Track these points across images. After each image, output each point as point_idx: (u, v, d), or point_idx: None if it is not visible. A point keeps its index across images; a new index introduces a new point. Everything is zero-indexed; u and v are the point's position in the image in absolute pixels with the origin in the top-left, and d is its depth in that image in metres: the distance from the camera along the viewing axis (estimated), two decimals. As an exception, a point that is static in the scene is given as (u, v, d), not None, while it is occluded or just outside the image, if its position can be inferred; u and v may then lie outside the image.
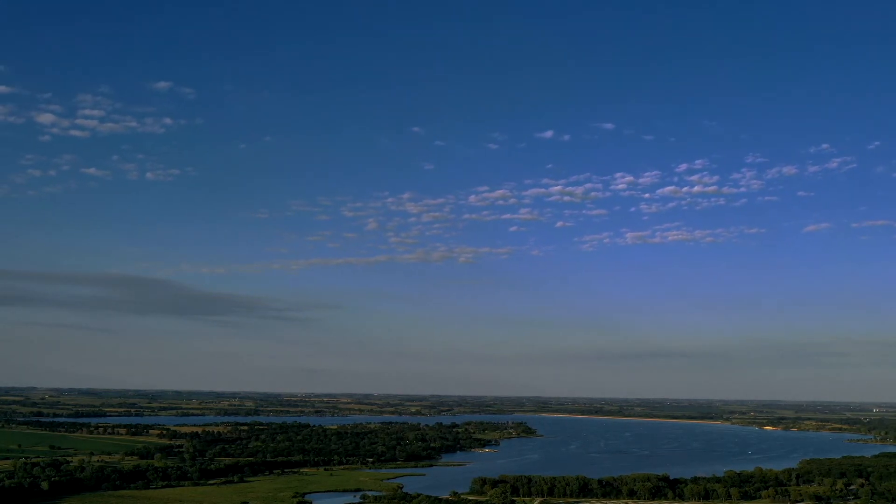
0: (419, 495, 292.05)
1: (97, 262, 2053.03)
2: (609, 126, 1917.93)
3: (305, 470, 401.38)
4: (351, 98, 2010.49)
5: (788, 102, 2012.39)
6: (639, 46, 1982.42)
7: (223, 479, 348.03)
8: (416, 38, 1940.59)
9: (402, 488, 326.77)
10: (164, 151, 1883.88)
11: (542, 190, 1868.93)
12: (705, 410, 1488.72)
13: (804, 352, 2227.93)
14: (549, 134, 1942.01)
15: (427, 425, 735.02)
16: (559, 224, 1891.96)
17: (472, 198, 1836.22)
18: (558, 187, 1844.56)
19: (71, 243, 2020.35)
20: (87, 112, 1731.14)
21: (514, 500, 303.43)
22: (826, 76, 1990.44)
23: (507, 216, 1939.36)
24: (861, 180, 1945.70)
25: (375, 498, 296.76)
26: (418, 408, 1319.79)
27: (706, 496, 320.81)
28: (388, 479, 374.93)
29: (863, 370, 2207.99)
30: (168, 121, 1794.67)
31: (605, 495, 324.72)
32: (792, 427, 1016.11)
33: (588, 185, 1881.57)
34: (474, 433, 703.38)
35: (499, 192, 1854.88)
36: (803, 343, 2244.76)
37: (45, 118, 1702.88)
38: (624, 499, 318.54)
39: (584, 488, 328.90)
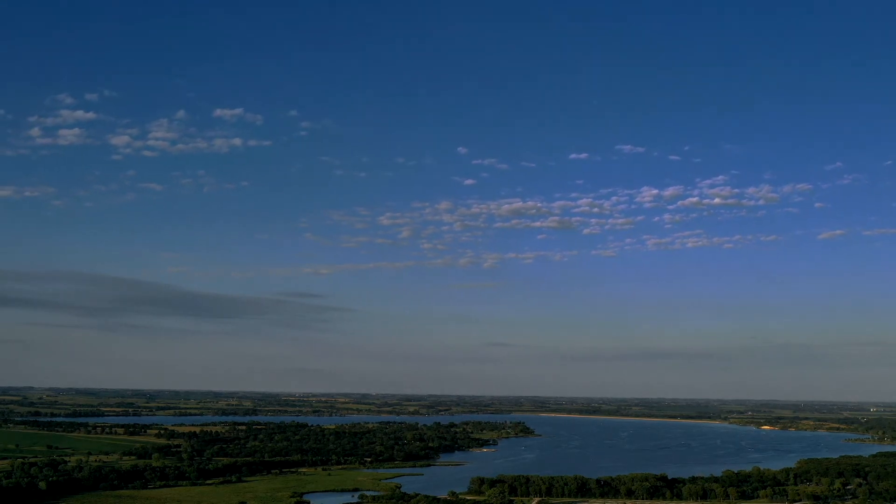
0: (417, 495, 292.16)
1: (129, 266, 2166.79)
2: (641, 150, 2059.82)
3: (303, 470, 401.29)
4: (404, 123, 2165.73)
5: (803, 125, 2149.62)
6: (669, 78, 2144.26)
7: (221, 479, 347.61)
8: (465, 70, 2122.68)
9: (400, 488, 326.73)
10: (224, 168, 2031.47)
11: (571, 203, 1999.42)
12: (703, 410, 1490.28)
13: (803, 352, 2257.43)
14: (584, 156, 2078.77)
15: (425, 425, 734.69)
16: (586, 231, 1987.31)
17: (505, 207, 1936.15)
18: (587, 200, 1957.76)
19: (110, 249, 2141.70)
20: (160, 135, 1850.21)
21: (512, 500, 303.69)
22: (840, 97, 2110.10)
23: (537, 224, 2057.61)
24: (873, 194, 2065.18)
25: (373, 498, 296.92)
26: (416, 407, 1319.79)
27: (704, 496, 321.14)
28: (386, 478, 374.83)
29: (861, 370, 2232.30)
30: (237, 142, 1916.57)
31: (603, 495, 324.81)
32: (790, 427, 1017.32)
33: (614, 199, 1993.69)
34: (472, 433, 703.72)
35: (530, 203, 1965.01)
36: (803, 343, 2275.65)
37: (120, 140, 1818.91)
38: (622, 498, 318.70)
39: (583, 488, 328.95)
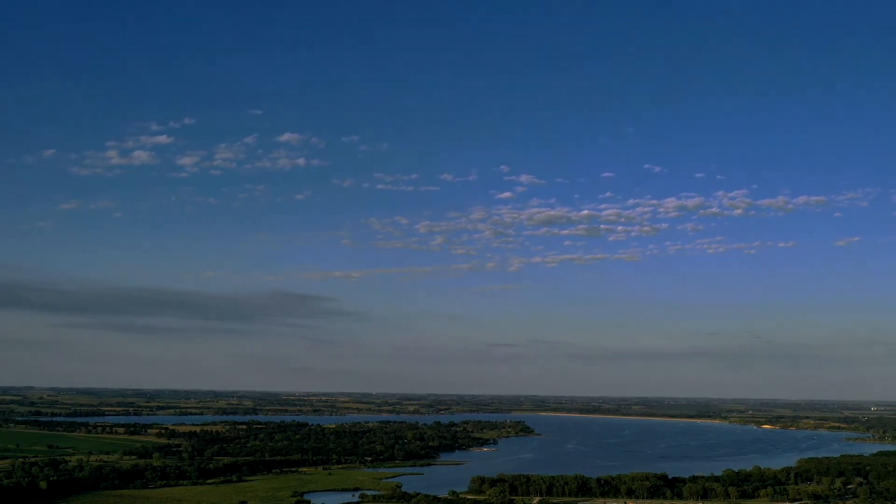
0: (418, 494, 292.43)
1: (170, 271, 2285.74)
2: (668, 170, 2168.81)
3: (304, 469, 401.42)
4: (453, 144, 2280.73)
5: (818, 143, 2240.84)
6: (697, 103, 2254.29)
7: (222, 479, 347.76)
8: (512, 96, 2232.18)
9: (400, 487, 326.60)
10: (282, 183, 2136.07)
11: (597, 213, 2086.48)
12: (703, 409, 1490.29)
13: (804, 352, 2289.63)
14: (613, 174, 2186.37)
15: (425, 424, 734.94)
16: (612, 238, 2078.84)
17: (536, 217, 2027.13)
18: (614, 210, 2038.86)
19: (155, 255, 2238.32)
20: (229, 156, 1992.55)
21: (513, 500, 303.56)
22: (854, 117, 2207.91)
23: (565, 232, 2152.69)
24: (885, 205, 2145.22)
25: (374, 497, 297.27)
26: (416, 407, 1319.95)
27: (704, 495, 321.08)
28: (387, 478, 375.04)
29: (861, 369, 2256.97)
30: (301, 161, 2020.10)
31: (603, 494, 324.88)
32: (790, 426, 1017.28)
33: (639, 209, 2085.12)
34: (472, 432, 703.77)
35: (559, 211, 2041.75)
36: (804, 343, 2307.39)
37: (188, 160, 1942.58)
38: (622, 498, 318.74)
39: (583, 487, 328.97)
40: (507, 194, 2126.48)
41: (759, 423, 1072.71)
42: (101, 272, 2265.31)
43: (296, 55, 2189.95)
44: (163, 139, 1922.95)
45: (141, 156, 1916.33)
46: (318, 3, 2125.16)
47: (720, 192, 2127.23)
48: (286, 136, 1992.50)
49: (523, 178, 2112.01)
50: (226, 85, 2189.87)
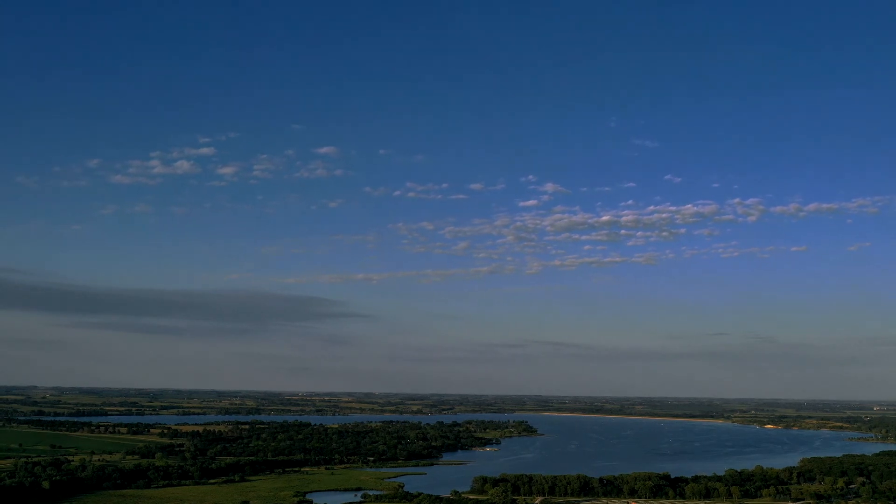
0: (420, 494, 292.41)
1: (189, 274, 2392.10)
2: (687, 180, 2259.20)
3: (306, 469, 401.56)
4: (483, 155, 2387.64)
5: (830, 153, 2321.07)
6: (717, 118, 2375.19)
7: (224, 479, 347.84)
8: (540, 110, 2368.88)
9: (402, 487, 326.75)
10: (315, 193, 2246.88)
11: (617, 219, 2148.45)
12: (706, 409, 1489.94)
13: (806, 352, 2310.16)
14: (634, 185, 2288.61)
15: (428, 424, 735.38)
16: (630, 243, 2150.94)
17: (558, 223, 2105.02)
18: (633, 216, 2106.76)
19: (182, 257, 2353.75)
20: (267, 167, 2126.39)
21: (515, 499, 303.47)
22: (864, 125, 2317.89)
23: (586, 237, 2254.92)
24: (894, 212, 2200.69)
25: (376, 497, 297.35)
26: (419, 406, 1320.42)
27: (707, 495, 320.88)
28: (389, 477, 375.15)
29: (863, 369, 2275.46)
30: (338, 172, 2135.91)
31: (606, 494, 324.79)
32: (793, 426, 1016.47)
33: (656, 216, 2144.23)
34: (475, 432, 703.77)
35: (580, 217, 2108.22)
36: (806, 343, 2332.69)
37: (227, 170, 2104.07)
38: (625, 497, 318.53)
39: (585, 487, 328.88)
40: (531, 202, 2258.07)
41: (761, 423, 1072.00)
42: (119, 273, 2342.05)
43: (340, 72, 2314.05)
44: (206, 150, 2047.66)
45: (183, 165, 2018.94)
46: (364, 28, 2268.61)
47: (735, 200, 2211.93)
48: (325, 149, 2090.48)
49: (548, 186, 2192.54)
50: (270, 101, 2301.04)
